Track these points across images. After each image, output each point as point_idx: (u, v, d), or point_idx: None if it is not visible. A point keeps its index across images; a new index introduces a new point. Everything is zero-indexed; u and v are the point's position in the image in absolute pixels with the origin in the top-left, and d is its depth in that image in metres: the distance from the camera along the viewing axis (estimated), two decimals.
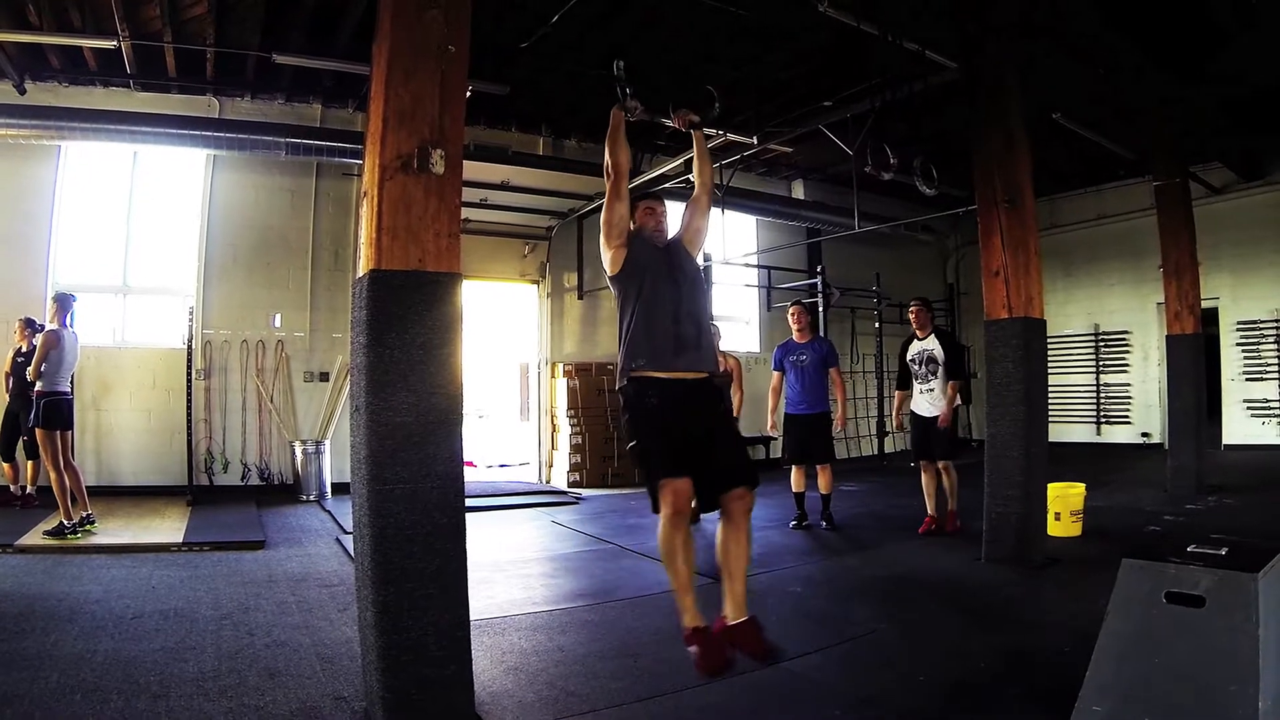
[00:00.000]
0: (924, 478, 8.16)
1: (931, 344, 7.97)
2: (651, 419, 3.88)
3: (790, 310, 8.68)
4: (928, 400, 7.98)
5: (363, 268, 3.81)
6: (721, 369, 8.36)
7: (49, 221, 10.04)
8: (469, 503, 3.97)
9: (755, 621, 3.73)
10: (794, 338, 8.52)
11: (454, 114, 3.95)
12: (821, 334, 8.79)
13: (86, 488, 7.76)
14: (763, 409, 12.05)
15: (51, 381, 7.49)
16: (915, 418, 8.15)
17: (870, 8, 7.44)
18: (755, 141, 9.81)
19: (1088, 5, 7.82)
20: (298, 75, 10.13)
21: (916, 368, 8.07)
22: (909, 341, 8.26)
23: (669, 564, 3.75)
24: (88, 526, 7.52)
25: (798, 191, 15.21)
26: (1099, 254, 15.32)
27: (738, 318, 15.09)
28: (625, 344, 4.02)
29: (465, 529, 3.80)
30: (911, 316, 8.25)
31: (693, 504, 3.88)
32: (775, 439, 14.05)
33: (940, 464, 7.97)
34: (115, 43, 8.60)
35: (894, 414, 8.98)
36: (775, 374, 8.56)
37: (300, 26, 8.85)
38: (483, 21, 7.51)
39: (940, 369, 7.88)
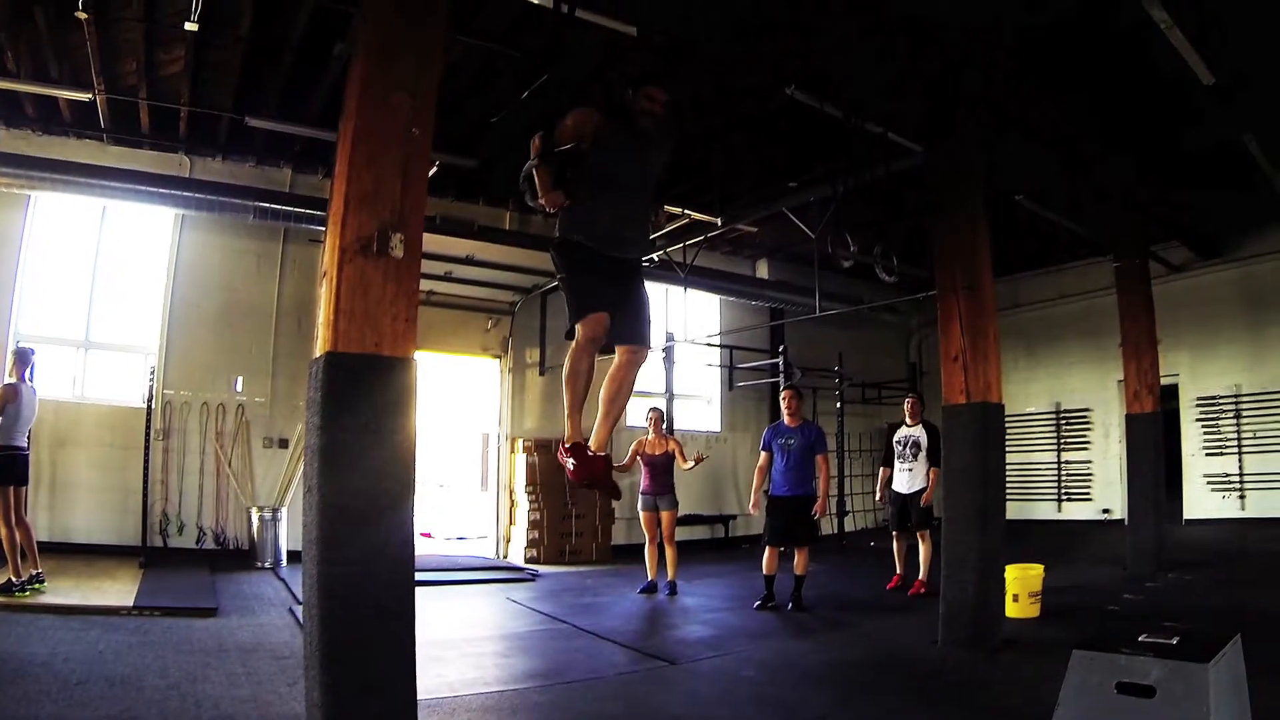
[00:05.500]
0: (896, 544, 9.48)
1: (918, 431, 9.11)
2: (582, 268, 4.10)
3: (783, 394, 9.02)
4: (906, 479, 9.09)
5: (319, 349, 3.82)
6: (661, 451, 9.25)
7: (14, 271, 9.91)
8: (423, 577, 3.98)
9: (609, 459, 4.32)
10: (785, 421, 8.68)
11: (415, 198, 4.00)
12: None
13: (38, 543, 7.60)
14: (724, 488, 12.10)
15: (7, 436, 7.36)
16: (894, 494, 9.25)
17: (835, 91, 7.60)
18: (719, 222, 9.91)
19: (1047, 92, 8.00)
20: (269, 139, 10.18)
21: (901, 449, 9.18)
22: (898, 426, 9.46)
23: (571, 383, 4.11)
24: (36, 585, 7.35)
25: (762, 271, 15.33)
26: (1060, 333, 15.49)
27: (699, 396, 15.07)
28: (570, 212, 4.16)
29: (414, 612, 3.79)
30: (907, 407, 9.38)
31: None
32: (737, 517, 14.12)
33: (919, 533, 9.03)
34: (90, 96, 8.61)
35: (879, 487, 9.79)
36: (763, 454, 8.73)
37: (273, 91, 8.94)
38: (454, 95, 7.67)
39: (922, 453, 9.00)
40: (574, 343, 4.06)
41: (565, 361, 4.08)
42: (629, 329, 4.18)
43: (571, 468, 4.17)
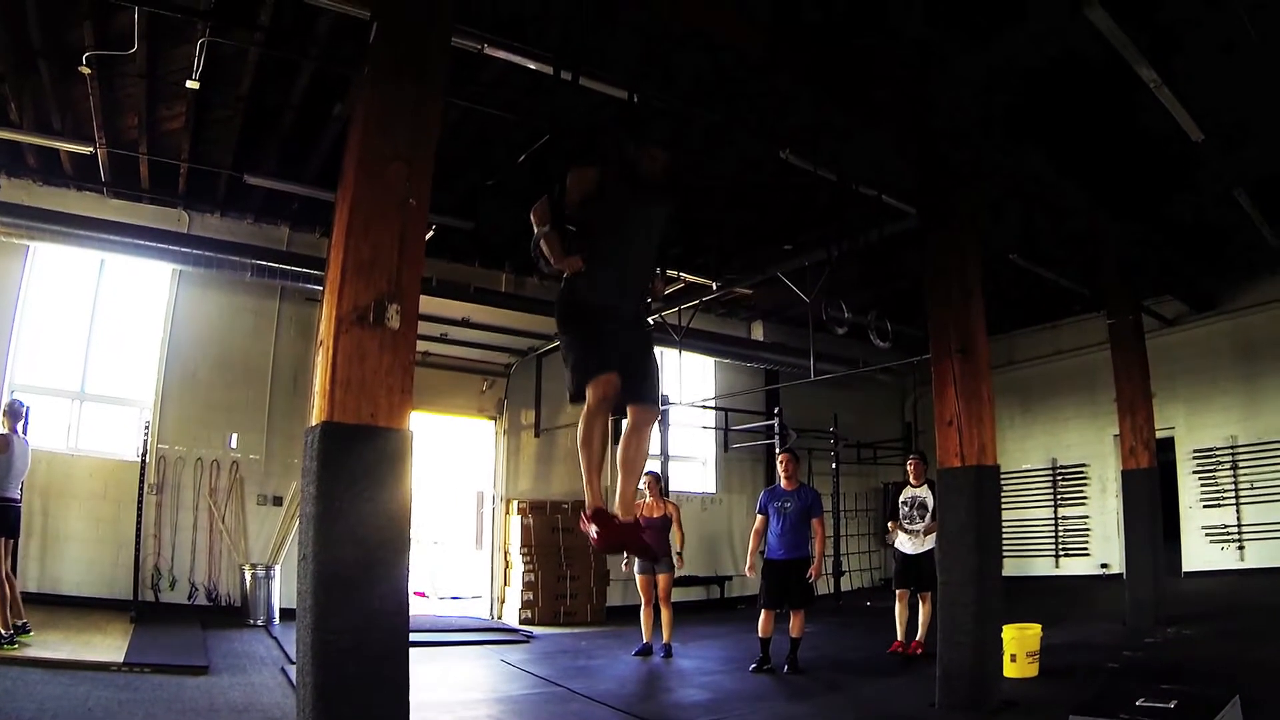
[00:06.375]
0: (898, 606, 8.94)
1: (924, 492, 8.90)
2: (590, 328, 4.05)
3: (780, 457, 9.00)
4: (912, 540, 8.87)
5: (315, 418, 3.83)
6: (659, 514, 9.16)
7: (11, 320, 9.90)
8: (417, 637, 3.98)
9: (638, 524, 4.40)
10: (781, 484, 8.68)
11: (412, 268, 4.02)
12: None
13: (28, 594, 7.60)
14: (719, 548, 12.03)
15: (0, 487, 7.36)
16: (900, 554, 9.08)
17: (829, 154, 7.68)
18: (715, 286, 9.95)
19: (1039, 154, 8.10)
20: (268, 197, 10.24)
21: (906, 509, 9.03)
22: (900, 486, 9.44)
23: (586, 447, 4.03)
24: (23, 636, 7.27)
25: (757, 333, 15.40)
26: (1056, 389, 15.53)
27: (695, 458, 15.07)
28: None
29: (409, 677, 3.78)
30: (910, 467, 9.26)
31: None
32: (732, 578, 14.02)
33: (920, 595, 8.76)
34: (92, 149, 8.75)
35: (890, 530, 9.53)
36: (759, 517, 8.70)
37: (272, 149, 9.07)
38: (450, 158, 7.73)
39: (928, 514, 8.72)
40: (585, 407, 3.98)
41: (578, 427, 4.01)
42: (639, 389, 4.14)
43: (595, 535, 4.08)
